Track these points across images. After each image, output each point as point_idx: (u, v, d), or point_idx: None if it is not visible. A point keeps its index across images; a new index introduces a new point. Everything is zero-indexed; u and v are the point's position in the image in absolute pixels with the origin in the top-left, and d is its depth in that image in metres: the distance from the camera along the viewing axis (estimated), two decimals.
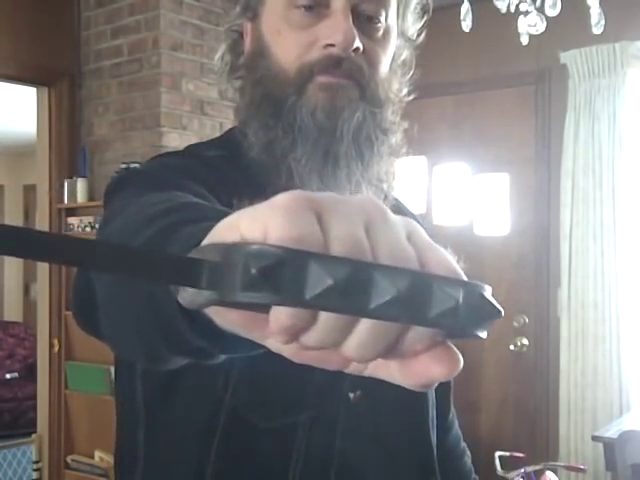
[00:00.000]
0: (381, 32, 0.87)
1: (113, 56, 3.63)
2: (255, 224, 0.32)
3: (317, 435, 0.81)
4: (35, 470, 3.71)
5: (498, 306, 0.33)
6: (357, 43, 0.82)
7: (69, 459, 3.61)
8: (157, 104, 3.42)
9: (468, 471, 1.07)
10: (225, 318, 0.36)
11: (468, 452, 1.09)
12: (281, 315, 0.31)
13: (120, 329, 0.55)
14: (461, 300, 0.31)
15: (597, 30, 2.03)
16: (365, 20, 0.85)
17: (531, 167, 3.65)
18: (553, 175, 3.58)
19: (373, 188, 0.87)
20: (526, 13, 2.14)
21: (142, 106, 3.49)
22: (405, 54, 0.95)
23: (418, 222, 1.05)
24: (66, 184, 3.66)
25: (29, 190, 7.36)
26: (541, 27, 2.11)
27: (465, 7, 2.16)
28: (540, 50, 3.40)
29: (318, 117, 0.83)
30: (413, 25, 0.95)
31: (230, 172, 0.84)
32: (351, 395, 0.84)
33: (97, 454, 3.49)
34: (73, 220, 3.67)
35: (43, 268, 3.78)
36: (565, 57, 3.48)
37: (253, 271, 0.29)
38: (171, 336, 0.45)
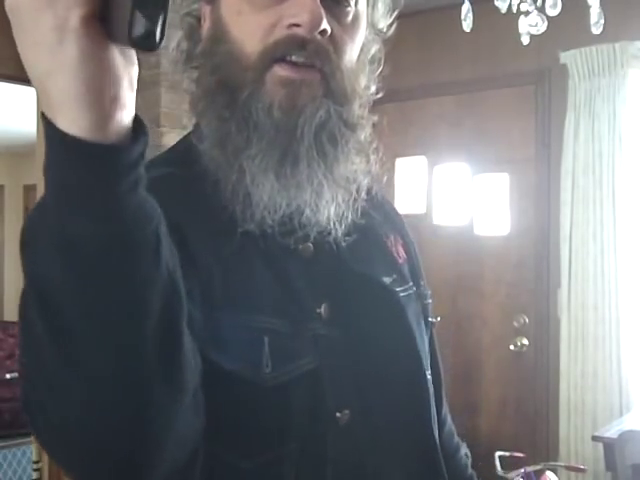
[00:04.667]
0: (350, 17, 0.81)
1: None
2: None
3: (307, 467, 0.74)
4: (35, 470, 3.71)
5: None
6: (324, 24, 0.76)
7: None
8: (157, 104, 3.42)
9: (464, 466, 1.03)
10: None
11: (464, 447, 1.06)
12: None
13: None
14: None
15: (596, 30, 2.03)
16: (333, 2, 0.79)
17: (531, 167, 3.65)
18: (553, 175, 3.57)
19: (339, 189, 0.81)
20: (527, 13, 2.14)
21: (141, 106, 3.48)
22: (374, 48, 0.88)
23: (399, 221, 0.99)
24: None
25: (29, 190, 7.36)
26: (542, 27, 2.11)
27: (466, 7, 2.16)
28: (540, 50, 3.40)
29: (275, 115, 0.76)
30: (384, 17, 0.88)
31: (173, 193, 0.73)
32: (338, 415, 0.77)
33: None
34: None
35: None
36: (565, 57, 3.48)
37: None
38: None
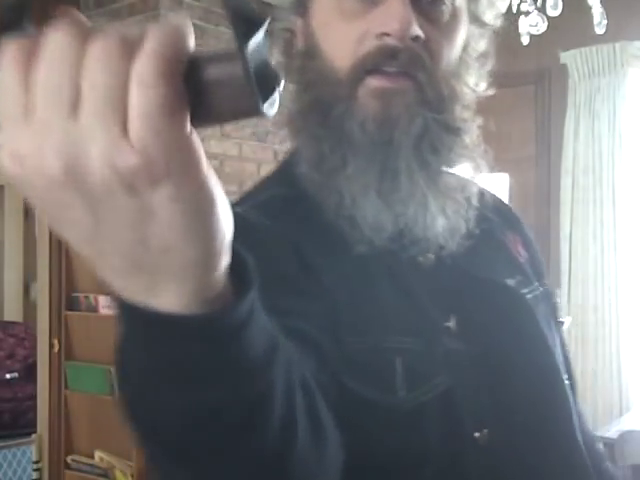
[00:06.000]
0: (447, 16, 0.76)
1: None
2: None
3: None
4: (35, 470, 3.71)
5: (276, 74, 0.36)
6: (416, 30, 0.72)
7: (69, 459, 3.61)
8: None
9: (612, 477, 0.90)
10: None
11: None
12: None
13: None
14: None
15: (600, 30, 2.03)
16: (427, 3, 0.74)
17: (531, 166, 3.65)
18: (553, 174, 3.58)
19: (447, 200, 0.76)
20: (527, 13, 2.14)
21: None
22: (482, 43, 0.82)
23: (515, 219, 0.94)
24: None
25: None
26: (542, 27, 2.11)
27: None
28: (540, 50, 3.40)
29: (369, 128, 0.72)
30: (489, 8, 0.82)
31: (284, 212, 0.73)
32: (477, 435, 0.71)
33: (97, 454, 3.48)
34: None
35: (43, 268, 3.78)
36: (565, 57, 3.48)
37: None
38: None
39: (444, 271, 0.77)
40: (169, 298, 0.37)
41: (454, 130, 0.76)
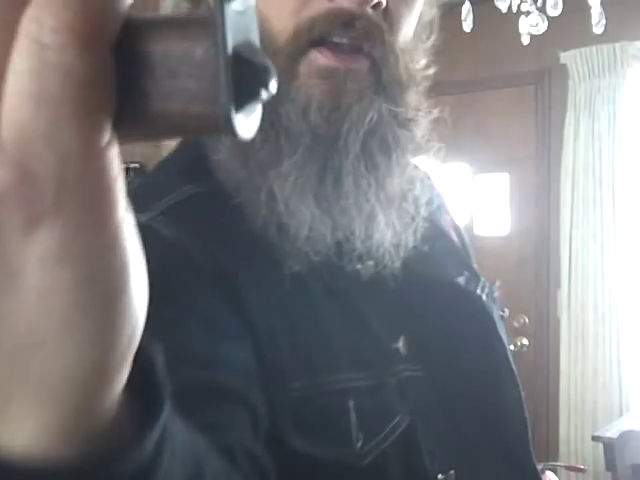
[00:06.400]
0: None
1: None
2: None
3: None
4: None
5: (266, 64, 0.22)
6: None
7: None
8: None
9: None
10: None
11: None
12: None
13: None
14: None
15: (598, 30, 2.03)
16: None
17: (531, 167, 3.65)
18: (553, 175, 3.58)
19: (396, 211, 0.64)
20: (527, 13, 2.14)
21: None
22: (430, 12, 0.69)
23: (442, 197, 0.79)
24: None
25: None
26: (542, 27, 2.11)
27: (466, 7, 2.16)
28: (540, 50, 3.40)
29: (313, 119, 0.58)
30: None
31: (207, 223, 0.58)
32: (441, 477, 0.62)
33: None
34: None
35: None
36: (565, 57, 3.48)
37: None
38: None
39: (388, 279, 0.65)
40: (25, 430, 0.22)
41: (406, 123, 0.63)
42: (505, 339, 0.71)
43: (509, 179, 3.19)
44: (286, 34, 0.58)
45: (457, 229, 0.80)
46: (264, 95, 0.23)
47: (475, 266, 0.78)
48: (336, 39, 0.58)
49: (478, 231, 3.24)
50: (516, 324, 3.70)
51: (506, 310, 0.71)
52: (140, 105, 0.21)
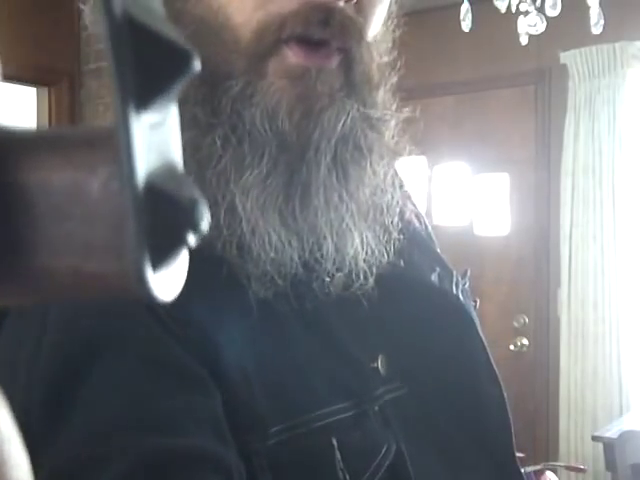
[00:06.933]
0: None
1: None
2: None
3: None
4: None
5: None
6: None
7: None
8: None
9: None
10: None
11: None
12: None
13: None
14: None
15: (596, 30, 2.03)
16: None
17: (531, 167, 3.65)
18: (553, 175, 3.58)
19: (370, 225, 0.58)
20: (526, 13, 2.14)
21: None
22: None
23: (401, 182, 0.69)
24: None
25: None
26: (541, 27, 2.12)
27: (465, 7, 2.16)
28: (540, 50, 3.40)
29: (281, 124, 0.52)
30: None
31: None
32: None
33: None
34: None
35: None
36: (565, 57, 3.48)
37: None
38: None
39: (360, 295, 0.59)
40: None
41: (377, 124, 0.57)
42: (483, 337, 0.68)
43: (509, 179, 3.20)
44: (249, 28, 0.52)
45: (418, 215, 0.75)
46: (191, 240, 0.16)
47: (440, 253, 0.74)
48: (310, 36, 0.53)
49: (478, 231, 3.25)
50: (516, 324, 3.70)
51: (477, 300, 0.68)
52: (17, 259, 0.15)
